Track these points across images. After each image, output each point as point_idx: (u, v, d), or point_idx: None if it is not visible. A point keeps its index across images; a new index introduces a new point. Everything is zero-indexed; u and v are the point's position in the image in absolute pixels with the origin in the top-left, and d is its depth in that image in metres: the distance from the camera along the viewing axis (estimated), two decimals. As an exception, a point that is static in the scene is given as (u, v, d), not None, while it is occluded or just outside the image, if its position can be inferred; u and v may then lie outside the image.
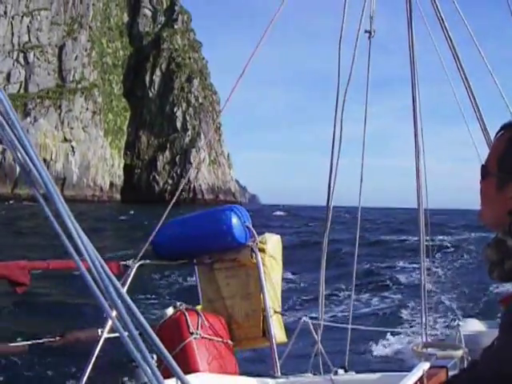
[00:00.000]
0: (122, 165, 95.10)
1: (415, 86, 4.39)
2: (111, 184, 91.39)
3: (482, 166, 1.51)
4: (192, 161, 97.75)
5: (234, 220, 4.11)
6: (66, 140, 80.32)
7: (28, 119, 76.33)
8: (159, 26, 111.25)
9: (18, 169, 76.19)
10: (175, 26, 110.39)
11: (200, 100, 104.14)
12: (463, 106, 4.23)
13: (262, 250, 4.23)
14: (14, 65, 78.72)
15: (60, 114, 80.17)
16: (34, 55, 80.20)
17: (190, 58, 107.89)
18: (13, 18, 79.44)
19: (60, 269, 3.53)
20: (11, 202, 64.21)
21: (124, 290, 1.17)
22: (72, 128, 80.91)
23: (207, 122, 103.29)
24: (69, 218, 1.08)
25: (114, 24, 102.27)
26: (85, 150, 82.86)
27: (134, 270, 3.80)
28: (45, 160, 76.23)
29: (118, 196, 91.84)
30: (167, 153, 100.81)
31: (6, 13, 78.80)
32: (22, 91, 78.24)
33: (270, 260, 4.29)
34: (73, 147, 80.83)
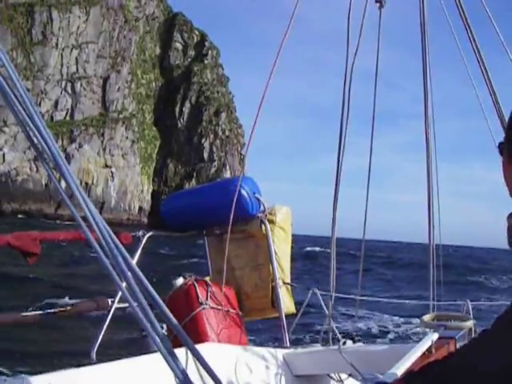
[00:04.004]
0: (150, 190, 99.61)
1: (428, 122, 4.46)
2: (140, 208, 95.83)
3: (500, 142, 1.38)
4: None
5: (244, 191, 4.09)
6: (106, 166, 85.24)
7: (73, 145, 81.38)
8: (189, 59, 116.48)
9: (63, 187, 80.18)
10: (205, 61, 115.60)
11: (226, 133, 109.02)
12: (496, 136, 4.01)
13: (272, 221, 4.24)
14: (61, 93, 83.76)
15: (102, 142, 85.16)
16: (81, 85, 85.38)
17: (218, 92, 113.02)
18: (63, 49, 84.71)
19: (70, 240, 3.44)
20: (57, 221, 68.53)
21: (134, 261, 1.29)
22: (113, 155, 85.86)
23: (232, 154, 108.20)
24: (77, 189, 1.15)
25: (148, 56, 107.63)
26: (123, 177, 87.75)
27: (144, 240, 3.87)
28: (87, 184, 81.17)
29: (145, 220, 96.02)
30: (193, 181, 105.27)
31: (57, 45, 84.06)
32: (67, 118, 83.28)
33: (279, 231, 4.30)
34: (112, 173, 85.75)
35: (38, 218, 71.32)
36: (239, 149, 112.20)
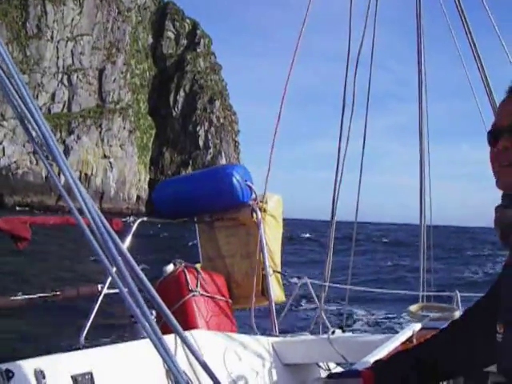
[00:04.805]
0: (147, 179, 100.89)
1: (422, 104, 4.42)
2: (138, 197, 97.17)
3: (490, 131, 1.36)
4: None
5: (235, 178, 4.05)
6: (105, 156, 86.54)
7: (72, 137, 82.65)
8: (181, 48, 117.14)
9: (61, 182, 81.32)
10: (197, 50, 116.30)
11: (221, 120, 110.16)
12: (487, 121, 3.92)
13: (263, 209, 4.19)
14: (58, 86, 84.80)
15: (100, 133, 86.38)
16: (77, 77, 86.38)
17: (211, 80, 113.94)
18: (58, 42, 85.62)
19: (61, 224, 3.40)
20: (58, 212, 69.79)
21: (124, 247, 1.26)
22: (111, 146, 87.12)
23: (227, 141, 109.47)
24: (70, 174, 1.13)
25: (141, 46, 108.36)
26: (122, 167, 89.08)
27: (135, 226, 3.83)
28: (86, 175, 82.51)
29: (143, 208, 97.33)
30: (190, 169, 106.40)
31: (52, 38, 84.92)
32: (65, 110, 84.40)
33: (271, 219, 4.28)
34: (111, 163, 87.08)
35: (39, 210, 72.56)
36: (234, 136, 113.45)
